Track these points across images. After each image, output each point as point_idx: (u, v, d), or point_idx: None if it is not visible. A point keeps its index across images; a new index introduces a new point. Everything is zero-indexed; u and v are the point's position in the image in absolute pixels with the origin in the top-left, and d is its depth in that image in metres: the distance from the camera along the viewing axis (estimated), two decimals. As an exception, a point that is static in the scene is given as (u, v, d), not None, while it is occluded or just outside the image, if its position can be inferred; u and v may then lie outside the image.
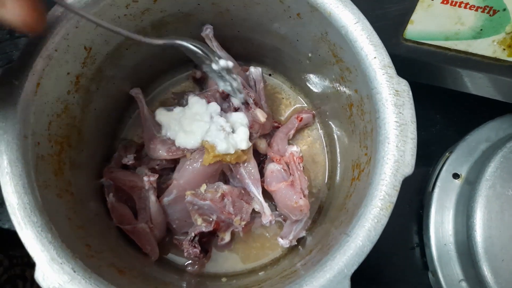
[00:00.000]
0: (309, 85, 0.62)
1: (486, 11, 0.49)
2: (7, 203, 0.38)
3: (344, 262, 0.37)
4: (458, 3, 0.49)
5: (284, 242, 0.56)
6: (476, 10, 0.49)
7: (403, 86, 0.41)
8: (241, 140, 0.53)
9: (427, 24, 0.51)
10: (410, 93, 0.41)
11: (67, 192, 0.46)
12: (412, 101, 0.41)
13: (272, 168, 0.57)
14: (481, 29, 0.50)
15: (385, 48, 0.42)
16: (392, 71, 0.41)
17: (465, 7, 0.49)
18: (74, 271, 0.37)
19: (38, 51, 0.42)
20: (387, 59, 0.42)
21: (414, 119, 0.40)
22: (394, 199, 0.39)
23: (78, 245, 0.41)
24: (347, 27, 0.43)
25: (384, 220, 0.38)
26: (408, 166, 0.39)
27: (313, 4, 0.44)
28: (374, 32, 0.42)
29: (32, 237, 0.37)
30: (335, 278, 0.37)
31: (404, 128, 0.40)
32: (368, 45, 0.42)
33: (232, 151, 0.53)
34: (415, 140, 0.40)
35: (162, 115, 0.57)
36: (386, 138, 0.40)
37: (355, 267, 0.37)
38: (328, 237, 0.45)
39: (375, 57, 0.42)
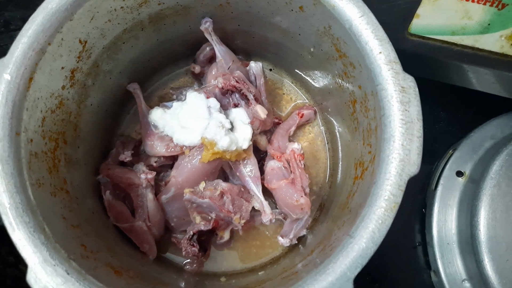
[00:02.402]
0: (310, 81, 0.61)
1: (494, 5, 0.47)
2: (-2, 203, 0.37)
3: (347, 264, 0.36)
4: (465, -3, 0.47)
5: (284, 241, 0.55)
6: (484, 3, 0.47)
7: (409, 82, 0.39)
8: (244, 139, 0.52)
9: (433, 18, 0.50)
10: (417, 90, 0.39)
11: (62, 190, 0.45)
12: (418, 98, 0.39)
13: (272, 165, 0.56)
14: (489, 24, 0.49)
15: (391, 43, 0.40)
16: (398, 67, 0.40)
17: (472, 1, 0.48)
18: (68, 273, 0.36)
19: (30, 44, 0.40)
20: (393, 54, 0.40)
21: (421, 117, 0.39)
22: (399, 200, 0.37)
23: (73, 246, 0.40)
24: (352, 21, 0.41)
25: (389, 221, 0.37)
26: (414, 165, 0.38)
27: (317, -4, 0.43)
28: (379, 26, 0.41)
29: (24, 238, 0.36)
30: (337, 281, 0.36)
31: (410, 126, 0.38)
32: (373, 40, 0.40)
33: (234, 149, 0.51)
34: (421, 139, 0.39)
35: (156, 115, 0.55)
36: (391, 136, 0.39)
37: (358, 270, 0.36)
38: (330, 238, 0.44)
39: (380, 52, 0.40)
